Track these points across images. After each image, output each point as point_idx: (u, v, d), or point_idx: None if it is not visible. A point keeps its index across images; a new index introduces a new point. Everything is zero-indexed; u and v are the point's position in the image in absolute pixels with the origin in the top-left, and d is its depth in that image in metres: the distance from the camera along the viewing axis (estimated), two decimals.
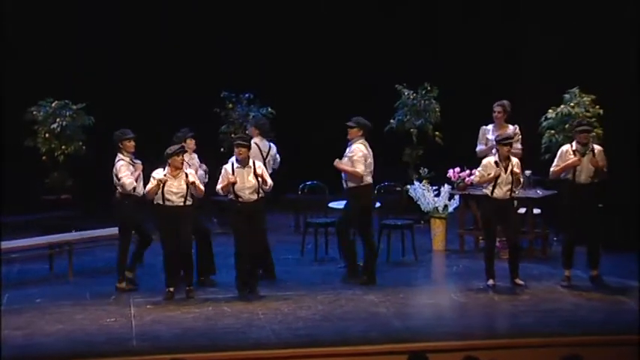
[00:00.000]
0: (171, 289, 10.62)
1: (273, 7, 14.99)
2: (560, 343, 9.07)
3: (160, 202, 10.55)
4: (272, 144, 11.81)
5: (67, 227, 12.45)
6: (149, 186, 10.59)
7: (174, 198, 10.54)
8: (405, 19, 15.08)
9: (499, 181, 10.78)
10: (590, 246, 11.03)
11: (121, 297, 10.69)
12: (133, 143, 10.97)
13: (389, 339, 9.28)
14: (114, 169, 10.87)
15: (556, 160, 11.03)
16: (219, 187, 10.69)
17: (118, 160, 10.91)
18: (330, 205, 12.47)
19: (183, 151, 10.61)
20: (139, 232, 11.07)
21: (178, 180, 10.54)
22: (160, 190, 10.50)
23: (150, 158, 11.08)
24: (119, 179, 10.83)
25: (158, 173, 10.61)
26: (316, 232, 12.32)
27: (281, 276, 11.44)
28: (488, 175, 10.82)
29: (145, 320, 9.92)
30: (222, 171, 10.68)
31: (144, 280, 11.32)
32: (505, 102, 12.26)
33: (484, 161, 11.03)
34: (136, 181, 10.91)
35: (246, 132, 11.48)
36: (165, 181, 10.48)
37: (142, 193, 10.85)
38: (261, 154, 11.49)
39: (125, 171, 10.84)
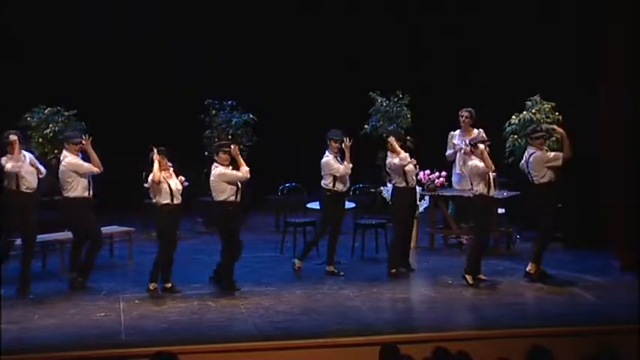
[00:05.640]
0: (155, 285, 10.48)
1: (253, 19, 14.90)
2: (524, 334, 9.02)
3: (169, 201, 10.39)
4: None
5: (60, 227, 12.28)
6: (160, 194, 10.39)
7: (178, 195, 10.45)
8: (380, 33, 15.07)
9: (492, 178, 10.67)
10: (543, 242, 10.92)
11: (110, 293, 10.55)
12: (337, 145, 11.27)
13: (363, 331, 9.21)
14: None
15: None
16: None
17: (326, 156, 11.24)
18: (308, 205, 12.39)
19: (164, 152, 10.43)
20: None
21: (173, 179, 10.46)
22: (168, 190, 10.38)
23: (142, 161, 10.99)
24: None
25: (155, 176, 10.41)
26: (295, 231, 12.23)
27: (262, 272, 11.35)
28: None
29: (134, 315, 9.80)
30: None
31: (131, 276, 11.20)
32: (470, 109, 12.50)
33: (472, 163, 10.69)
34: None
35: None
36: (165, 183, 10.35)
37: (341, 189, 11.28)
38: None
39: (333, 164, 11.20)
